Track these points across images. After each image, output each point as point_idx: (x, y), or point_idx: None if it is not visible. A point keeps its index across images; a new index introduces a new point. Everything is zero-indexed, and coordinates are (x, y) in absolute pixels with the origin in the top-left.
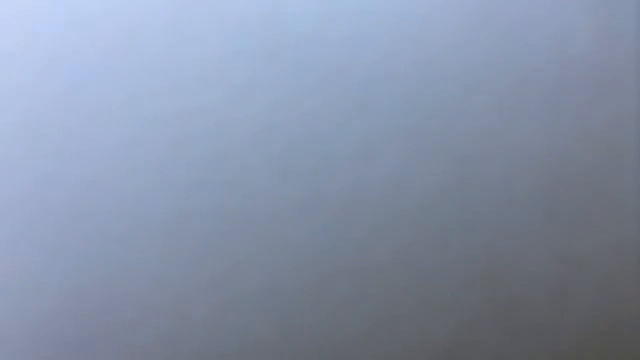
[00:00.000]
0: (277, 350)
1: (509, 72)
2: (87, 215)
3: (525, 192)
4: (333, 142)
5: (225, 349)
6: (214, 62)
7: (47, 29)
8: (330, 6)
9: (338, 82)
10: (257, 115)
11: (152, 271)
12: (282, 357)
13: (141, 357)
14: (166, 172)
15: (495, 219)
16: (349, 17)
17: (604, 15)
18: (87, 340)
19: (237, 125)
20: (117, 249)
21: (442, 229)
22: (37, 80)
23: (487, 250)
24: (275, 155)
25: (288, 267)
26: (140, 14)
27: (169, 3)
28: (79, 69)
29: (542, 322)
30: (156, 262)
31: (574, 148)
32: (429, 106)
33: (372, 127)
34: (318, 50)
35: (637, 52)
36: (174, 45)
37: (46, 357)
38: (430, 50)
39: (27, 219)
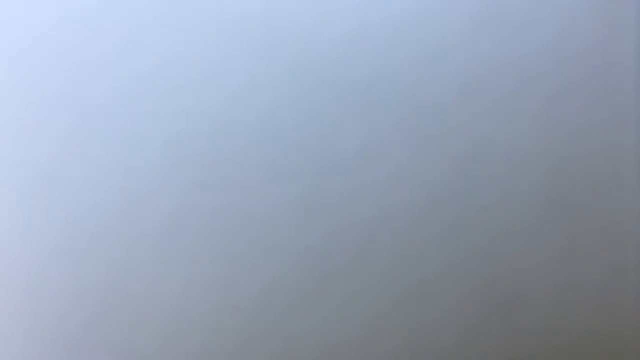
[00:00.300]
0: (276, 350)
1: (509, 72)
2: (86, 215)
3: (525, 192)
4: (333, 142)
5: (225, 348)
6: (214, 63)
7: (47, 28)
8: (330, 6)
9: (337, 83)
10: (256, 115)
11: (151, 271)
12: (281, 357)
13: (141, 357)
14: (165, 172)
15: (495, 219)
16: (349, 18)
17: (604, 15)
18: (86, 340)
19: (236, 125)
20: (116, 249)
21: (442, 229)
22: (37, 79)
23: (487, 250)
24: (275, 155)
25: (288, 267)
26: (140, 14)
27: (169, 3)
28: (79, 69)
29: (542, 321)
30: (155, 262)
31: (574, 148)
32: (429, 106)
33: (372, 127)
34: (317, 51)
35: (637, 52)
36: (174, 46)
37: (46, 357)
38: (430, 51)
39: (26, 219)
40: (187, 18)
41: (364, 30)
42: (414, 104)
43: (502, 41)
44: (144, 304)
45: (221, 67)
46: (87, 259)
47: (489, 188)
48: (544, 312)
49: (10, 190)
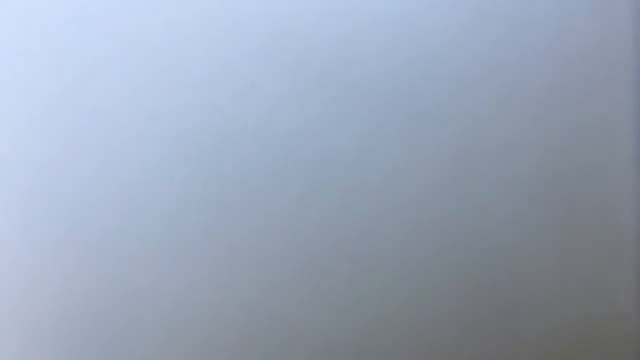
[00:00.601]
0: (276, 345)
1: (507, 69)
2: (87, 212)
3: (522, 187)
4: (331, 137)
5: (226, 343)
6: (215, 60)
7: (50, 27)
8: (329, 5)
9: (337, 81)
10: (256, 112)
11: (152, 266)
12: (279, 351)
13: (141, 352)
14: (167, 169)
15: (492, 214)
16: (349, 17)
17: (601, 12)
18: (87, 338)
19: (237, 122)
20: (117, 245)
21: (440, 225)
22: (41, 76)
23: (484, 245)
24: (274, 151)
25: (287, 263)
26: (143, 13)
27: (172, 3)
28: (82, 67)
29: (541, 315)
30: (156, 258)
31: (572, 144)
32: (427, 102)
33: (371, 123)
34: (317, 50)
35: (634, 48)
36: (175, 43)
37: (46, 355)
38: (428, 47)
39: (28, 215)
40: (189, 16)
41: (364, 29)
42: (413, 100)
43: (501, 39)
44: (144, 300)
45: (223, 65)
46: (88, 257)
47: (486, 184)
48: (544, 306)
49: (12, 187)
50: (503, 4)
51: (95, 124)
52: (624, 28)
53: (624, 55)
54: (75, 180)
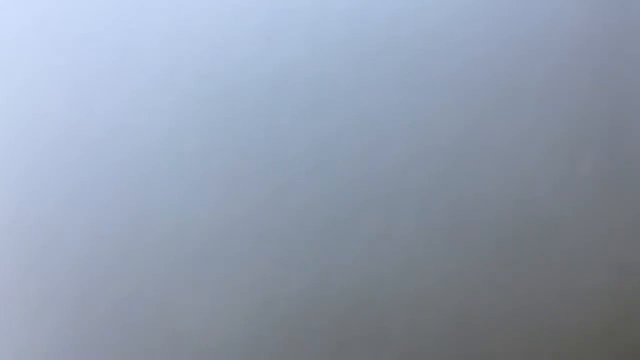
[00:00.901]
0: (280, 339)
1: (509, 65)
2: (90, 207)
3: (529, 176)
4: (334, 139)
5: (229, 339)
6: (215, 54)
7: (48, 18)
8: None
9: (338, 82)
10: (260, 104)
11: (156, 264)
12: (285, 347)
13: (144, 344)
14: (169, 164)
15: (498, 203)
16: (346, 16)
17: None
18: (87, 336)
19: (241, 116)
20: (120, 242)
21: (443, 222)
22: (40, 68)
23: (490, 235)
24: (276, 137)
25: (290, 264)
26: (145, 3)
27: None
28: (87, 58)
29: (547, 311)
30: (161, 256)
31: (581, 133)
32: (431, 97)
33: (375, 120)
34: (322, 25)
35: (637, 39)
36: (177, 37)
37: (48, 348)
38: (428, 44)
39: (30, 210)
40: (190, 7)
41: (365, 22)
42: (416, 81)
43: (502, 32)
44: (149, 296)
45: (224, 58)
46: (90, 252)
47: (487, 182)
48: (547, 300)
49: (14, 179)
50: None
51: (95, 115)
52: (628, 17)
53: (627, 45)
54: (77, 175)
